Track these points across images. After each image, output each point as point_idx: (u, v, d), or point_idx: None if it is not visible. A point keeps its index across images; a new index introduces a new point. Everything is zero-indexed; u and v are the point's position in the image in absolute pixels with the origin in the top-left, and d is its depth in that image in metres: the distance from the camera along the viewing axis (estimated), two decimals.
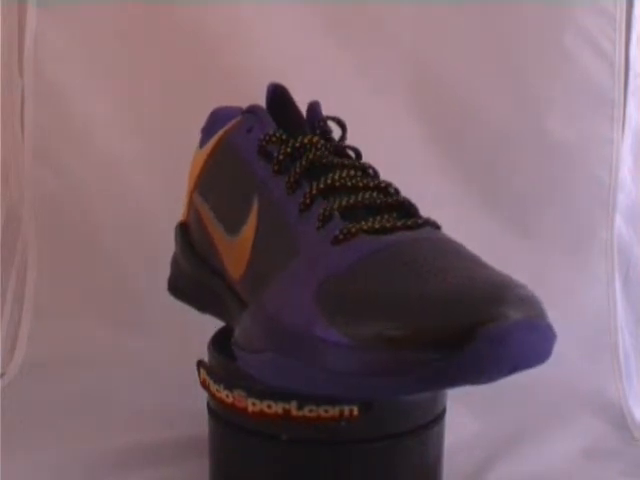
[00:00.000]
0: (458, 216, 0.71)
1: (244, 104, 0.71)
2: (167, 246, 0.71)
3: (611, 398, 0.65)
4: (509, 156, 0.72)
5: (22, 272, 0.72)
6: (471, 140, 0.72)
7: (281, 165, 0.44)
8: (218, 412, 0.46)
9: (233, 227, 0.46)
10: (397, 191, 0.44)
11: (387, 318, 0.34)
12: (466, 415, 0.59)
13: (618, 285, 0.72)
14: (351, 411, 0.41)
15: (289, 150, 0.44)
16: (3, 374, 0.67)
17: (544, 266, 0.72)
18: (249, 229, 0.44)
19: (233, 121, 0.49)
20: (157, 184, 0.72)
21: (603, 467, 0.55)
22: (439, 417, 0.46)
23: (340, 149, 0.45)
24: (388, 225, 0.40)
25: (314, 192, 0.42)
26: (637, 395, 0.67)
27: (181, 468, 0.52)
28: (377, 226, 0.40)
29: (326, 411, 0.41)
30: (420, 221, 0.41)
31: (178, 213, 0.72)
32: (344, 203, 0.41)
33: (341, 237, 0.39)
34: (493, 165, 0.72)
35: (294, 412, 0.41)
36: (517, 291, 0.35)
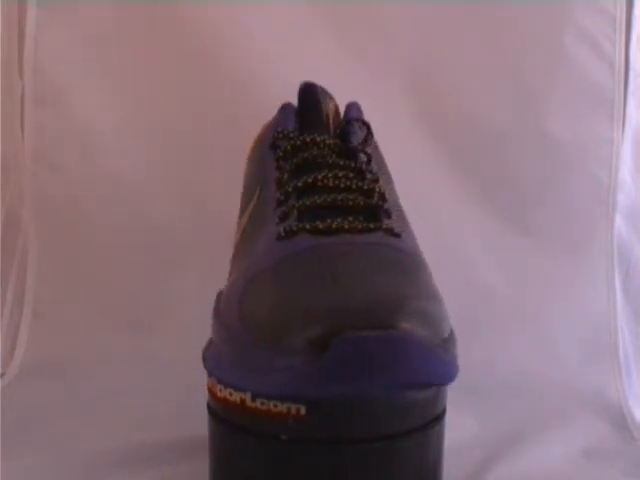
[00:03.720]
0: (458, 216, 0.72)
1: (244, 103, 0.71)
2: (167, 246, 0.72)
3: (611, 398, 0.65)
4: (509, 156, 0.72)
5: (22, 272, 0.72)
6: (471, 140, 0.72)
7: (280, 161, 0.45)
8: (218, 412, 0.46)
9: (240, 216, 0.48)
10: (381, 195, 0.43)
11: (273, 319, 0.35)
12: (466, 415, 0.59)
13: (618, 285, 0.72)
14: (298, 410, 0.40)
15: (289, 148, 0.45)
16: (3, 374, 0.67)
17: (544, 266, 0.72)
18: (244, 219, 0.46)
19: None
20: (157, 184, 0.72)
21: (603, 467, 0.55)
22: (439, 417, 0.46)
23: (348, 151, 0.45)
24: (334, 226, 0.40)
25: (289, 189, 0.43)
26: (637, 395, 0.67)
27: (181, 468, 0.52)
28: (321, 227, 0.40)
29: (275, 406, 0.41)
30: (372, 226, 0.41)
31: (178, 212, 0.72)
32: (308, 202, 0.42)
33: (283, 234, 0.40)
34: (493, 165, 0.72)
35: (248, 403, 0.41)
36: (414, 305, 0.35)
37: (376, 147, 0.51)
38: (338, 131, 0.47)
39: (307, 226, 0.40)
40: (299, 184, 0.43)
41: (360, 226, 0.41)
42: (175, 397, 0.58)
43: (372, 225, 0.41)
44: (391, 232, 0.41)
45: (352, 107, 0.49)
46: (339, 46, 0.71)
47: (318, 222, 0.40)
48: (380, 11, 0.70)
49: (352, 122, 0.47)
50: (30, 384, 0.64)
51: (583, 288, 0.72)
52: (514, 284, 0.71)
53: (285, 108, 0.49)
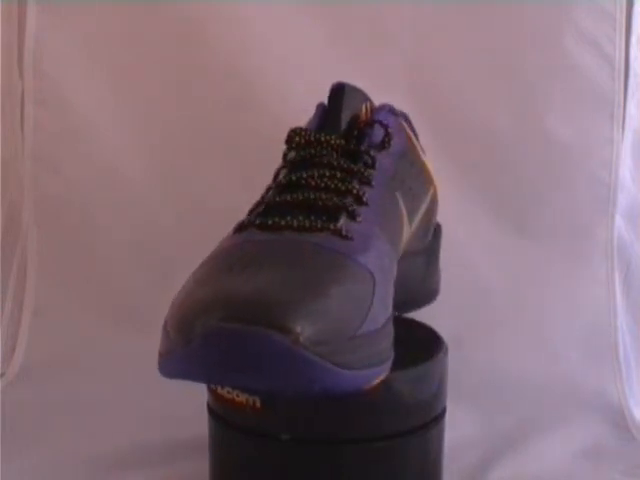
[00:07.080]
0: (458, 216, 0.71)
1: (244, 104, 0.71)
2: (167, 246, 0.72)
3: (611, 398, 0.65)
4: (509, 156, 0.72)
5: (22, 272, 0.72)
6: (471, 140, 0.72)
7: (285, 157, 0.46)
8: (218, 412, 0.46)
9: None
10: (357, 198, 0.43)
11: (177, 308, 0.36)
12: (466, 415, 0.59)
13: (618, 285, 0.72)
14: (254, 401, 0.42)
15: (293, 145, 0.45)
16: (3, 374, 0.67)
17: (544, 266, 0.72)
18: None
19: None
20: (157, 184, 0.72)
21: (603, 467, 0.55)
22: (439, 417, 0.46)
23: (350, 152, 0.45)
24: (282, 224, 0.41)
25: (272, 185, 0.44)
26: (637, 395, 0.67)
27: (181, 468, 0.52)
28: (269, 223, 0.41)
29: (237, 396, 0.43)
30: (320, 226, 0.41)
31: (178, 213, 0.72)
32: (278, 199, 0.43)
33: (237, 228, 0.42)
34: (493, 165, 0.72)
35: (219, 390, 0.44)
36: (296, 304, 0.34)
37: (405, 152, 0.50)
38: (356, 132, 0.47)
39: (257, 222, 0.41)
40: (282, 180, 0.44)
41: (308, 225, 0.41)
42: (175, 397, 0.58)
43: (320, 225, 0.41)
44: (339, 234, 0.41)
45: (382, 109, 0.49)
46: (338, 46, 0.71)
47: (275, 219, 0.41)
48: (381, 12, 0.70)
49: (372, 124, 0.47)
50: (30, 384, 0.65)
51: (583, 288, 0.72)
52: (514, 284, 0.71)
53: (317, 107, 0.49)
